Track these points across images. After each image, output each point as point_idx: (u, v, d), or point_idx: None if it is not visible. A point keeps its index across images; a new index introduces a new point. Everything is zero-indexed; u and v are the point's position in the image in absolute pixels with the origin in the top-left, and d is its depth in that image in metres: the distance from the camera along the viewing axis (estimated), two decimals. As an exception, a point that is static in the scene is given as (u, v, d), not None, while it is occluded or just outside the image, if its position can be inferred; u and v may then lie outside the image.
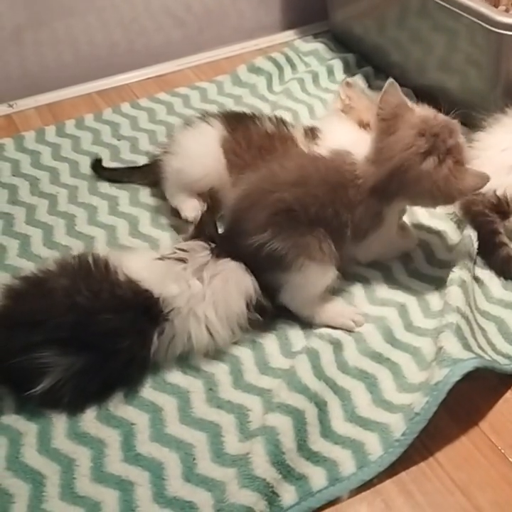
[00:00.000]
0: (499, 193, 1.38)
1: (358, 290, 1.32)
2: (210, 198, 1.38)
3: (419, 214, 1.48)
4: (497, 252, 1.35)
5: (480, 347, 1.19)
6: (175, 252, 1.22)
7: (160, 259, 1.22)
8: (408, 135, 1.23)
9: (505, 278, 1.34)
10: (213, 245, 1.23)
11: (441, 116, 1.26)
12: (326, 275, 1.23)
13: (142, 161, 1.65)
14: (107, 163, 1.65)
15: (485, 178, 1.21)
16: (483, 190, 1.32)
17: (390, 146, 1.23)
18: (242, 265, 1.22)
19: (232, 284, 1.20)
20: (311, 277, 1.22)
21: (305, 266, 1.20)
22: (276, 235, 1.19)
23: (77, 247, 1.41)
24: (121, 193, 1.56)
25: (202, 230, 1.26)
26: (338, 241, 1.23)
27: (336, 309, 1.28)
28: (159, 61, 1.99)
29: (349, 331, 1.25)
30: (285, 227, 1.20)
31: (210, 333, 1.19)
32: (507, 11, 1.83)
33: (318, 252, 1.21)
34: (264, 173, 1.27)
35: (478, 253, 1.37)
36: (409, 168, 1.22)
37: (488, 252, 1.37)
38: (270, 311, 1.24)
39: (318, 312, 1.26)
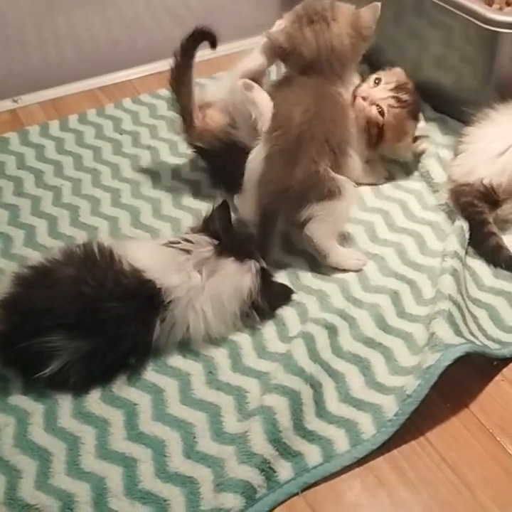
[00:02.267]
0: (486, 182, 1.42)
1: (351, 277, 1.36)
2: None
3: (412, 207, 1.53)
4: (487, 242, 1.39)
5: (471, 333, 1.23)
6: (180, 242, 1.26)
7: (165, 245, 1.26)
8: None
9: (495, 266, 1.38)
10: (217, 242, 1.26)
11: None
12: (355, 196, 1.41)
13: (144, 155, 1.70)
14: (110, 157, 1.69)
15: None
16: (470, 180, 1.41)
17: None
18: (243, 267, 1.25)
19: (228, 285, 1.23)
20: (350, 201, 1.38)
21: (348, 191, 1.35)
22: (327, 165, 1.34)
23: (80, 238, 1.43)
24: (124, 186, 1.60)
25: (209, 226, 1.30)
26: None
27: (346, 253, 1.41)
28: (160, 58, 2.02)
29: (355, 271, 1.38)
30: (329, 156, 1.34)
31: (207, 326, 1.23)
32: (500, 9, 1.86)
33: (350, 170, 1.39)
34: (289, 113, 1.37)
35: (469, 243, 1.41)
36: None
37: (478, 242, 1.41)
38: (267, 313, 1.28)
39: (333, 251, 1.38)
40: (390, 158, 1.62)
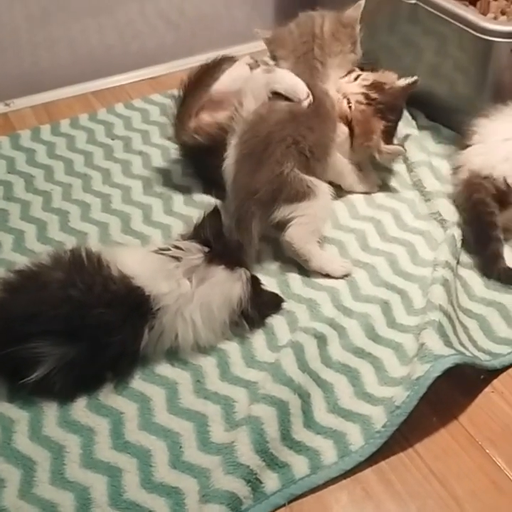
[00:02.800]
0: (510, 181, 1.40)
1: (342, 287, 1.35)
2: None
3: (404, 216, 1.52)
4: (489, 246, 1.37)
5: (461, 344, 1.22)
6: (170, 249, 1.25)
7: (155, 252, 1.25)
8: None
9: (488, 276, 1.37)
10: (207, 250, 1.25)
11: None
12: (331, 200, 1.41)
13: (135, 160, 1.69)
14: (101, 162, 1.68)
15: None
16: (494, 173, 1.41)
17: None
18: (234, 275, 1.24)
19: (219, 292, 1.23)
20: (323, 202, 1.39)
21: (320, 192, 1.37)
22: (294, 166, 1.36)
23: (70, 243, 1.43)
24: (114, 191, 1.59)
25: (200, 233, 1.29)
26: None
27: (328, 257, 1.41)
28: (153, 63, 2.02)
29: (339, 277, 1.38)
30: (298, 158, 1.35)
31: (195, 335, 1.22)
32: (495, 18, 1.86)
33: (325, 175, 1.40)
34: (259, 118, 1.40)
35: (468, 243, 1.41)
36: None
37: (482, 244, 1.39)
38: (257, 322, 1.27)
39: (314, 255, 1.38)
40: (383, 166, 1.62)
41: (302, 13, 1.62)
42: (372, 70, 1.62)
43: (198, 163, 1.60)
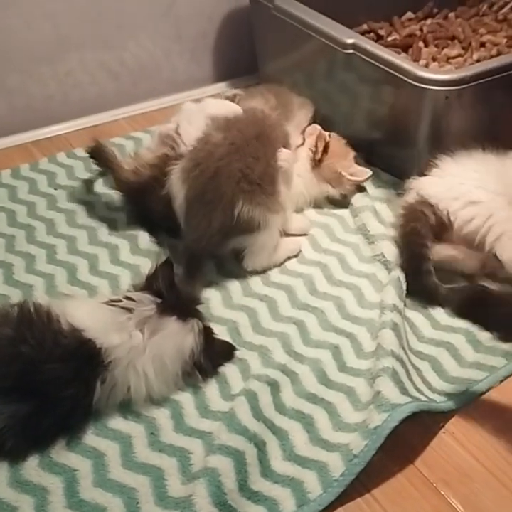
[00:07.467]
0: (452, 217, 1.45)
1: (293, 332, 1.36)
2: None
3: (349, 260, 1.54)
4: (424, 279, 1.41)
5: (416, 388, 1.23)
6: (121, 300, 1.24)
7: (106, 303, 1.24)
8: None
9: (433, 305, 1.41)
10: (159, 301, 1.25)
11: None
12: (279, 222, 1.49)
13: (79, 210, 1.68)
14: (45, 212, 1.67)
15: None
16: (440, 205, 1.46)
17: None
18: (186, 326, 1.24)
19: (171, 344, 1.22)
20: (273, 230, 1.47)
21: (270, 221, 1.44)
22: (245, 202, 1.40)
23: (15, 296, 1.42)
24: (59, 242, 1.57)
25: (152, 284, 1.29)
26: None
27: (285, 244, 1.53)
28: (94, 112, 2.02)
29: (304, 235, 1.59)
30: (249, 192, 1.41)
31: (148, 387, 1.21)
32: (427, 65, 1.92)
33: (275, 204, 1.46)
34: (208, 150, 1.43)
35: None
36: None
37: (412, 274, 1.43)
38: (210, 372, 1.27)
39: (275, 256, 1.51)
40: (327, 211, 1.67)
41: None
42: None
43: (141, 205, 1.60)
